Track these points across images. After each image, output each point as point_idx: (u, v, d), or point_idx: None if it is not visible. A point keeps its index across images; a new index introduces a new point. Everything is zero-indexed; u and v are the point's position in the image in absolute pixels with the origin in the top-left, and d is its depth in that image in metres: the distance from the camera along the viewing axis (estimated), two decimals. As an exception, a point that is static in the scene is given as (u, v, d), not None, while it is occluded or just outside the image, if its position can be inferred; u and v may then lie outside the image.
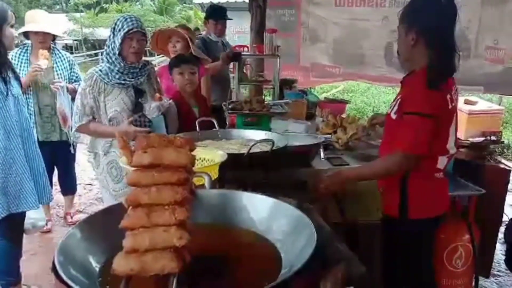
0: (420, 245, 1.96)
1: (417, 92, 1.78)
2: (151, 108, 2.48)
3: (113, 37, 2.35)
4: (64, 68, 3.57)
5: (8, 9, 2.32)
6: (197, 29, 8.07)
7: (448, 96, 1.83)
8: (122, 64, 2.36)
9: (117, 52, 2.33)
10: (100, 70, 2.37)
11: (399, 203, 1.89)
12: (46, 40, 3.45)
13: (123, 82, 2.39)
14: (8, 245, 2.54)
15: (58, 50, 3.63)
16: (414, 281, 2.01)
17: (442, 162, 1.89)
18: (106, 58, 2.39)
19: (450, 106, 1.84)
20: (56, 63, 3.54)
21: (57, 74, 3.51)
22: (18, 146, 2.36)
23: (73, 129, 2.44)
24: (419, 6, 1.84)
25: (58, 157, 3.71)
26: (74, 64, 3.69)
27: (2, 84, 2.30)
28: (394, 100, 1.96)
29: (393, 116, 1.90)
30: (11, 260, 2.61)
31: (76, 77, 3.65)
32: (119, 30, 2.32)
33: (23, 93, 2.67)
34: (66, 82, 3.52)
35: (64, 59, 3.61)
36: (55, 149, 3.61)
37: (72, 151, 3.73)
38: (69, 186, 4.02)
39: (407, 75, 1.97)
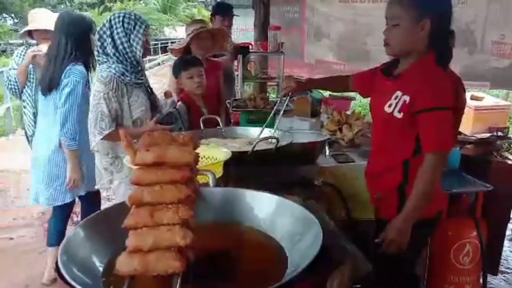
0: (415, 244, 1.81)
1: (432, 85, 1.65)
2: (167, 104, 2.47)
3: (125, 36, 2.26)
4: None
5: (92, 20, 2.77)
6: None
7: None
8: (134, 63, 2.31)
9: (139, 51, 2.27)
10: (116, 72, 2.27)
11: (397, 206, 1.77)
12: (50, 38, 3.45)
13: (138, 81, 2.35)
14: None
15: None
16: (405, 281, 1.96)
17: None
18: (116, 58, 2.29)
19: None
20: None
21: None
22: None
23: (99, 137, 2.29)
24: None
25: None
26: None
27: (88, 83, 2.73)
28: (392, 97, 1.75)
29: (398, 115, 1.71)
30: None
31: None
32: (133, 29, 2.26)
33: (24, 87, 3.18)
34: None
35: None
36: None
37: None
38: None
39: (393, 66, 1.83)
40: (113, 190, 2.52)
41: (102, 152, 2.41)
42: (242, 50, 3.93)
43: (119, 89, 2.27)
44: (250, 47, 4.45)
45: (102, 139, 2.28)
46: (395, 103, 1.73)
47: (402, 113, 1.70)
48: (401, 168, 1.78)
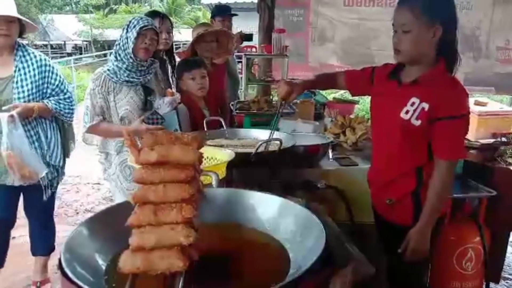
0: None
1: (451, 94, 1.65)
2: (164, 103, 2.46)
3: (126, 33, 2.34)
4: (29, 77, 2.47)
5: None
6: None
7: None
8: (130, 61, 2.35)
9: (130, 47, 2.32)
10: (108, 70, 2.37)
11: (413, 212, 1.78)
12: (11, 31, 2.41)
13: (131, 80, 2.39)
14: None
15: (24, 51, 2.51)
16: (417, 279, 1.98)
17: None
18: (115, 55, 2.38)
19: None
20: (19, 70, 2.45)
21: (16, 88, 2.43)
22: None
23: (84, 130, 2.39)
24: None
25: (28, 204, 2.74)
26: (50, 71, 2.55)
27: None
28: (408, 104, 1.70)
29: (416, 123, 1.67)
30: None
31: (53, 89, 2.57)
32: (133, 26, 2.33)
33: None
34: (31, 99, 2.46)
35: (32, 63, 2.50)
36: (19, 194, 2.68)
37: (45, 197, 2.62)
38: (42, 244, 2.88)
39: (399, 71, 1.80)
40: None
41: (97, 146, 2.56)
42: (247, 36, 3.97)
43: (105, 86, 2.36)
44: (254, 50, 4.48)
45: (85, 132, 2.40)
46: (413, 110, 1.69)
47: (420, 121, 1.68)
48: (415, 173, 1.77)
